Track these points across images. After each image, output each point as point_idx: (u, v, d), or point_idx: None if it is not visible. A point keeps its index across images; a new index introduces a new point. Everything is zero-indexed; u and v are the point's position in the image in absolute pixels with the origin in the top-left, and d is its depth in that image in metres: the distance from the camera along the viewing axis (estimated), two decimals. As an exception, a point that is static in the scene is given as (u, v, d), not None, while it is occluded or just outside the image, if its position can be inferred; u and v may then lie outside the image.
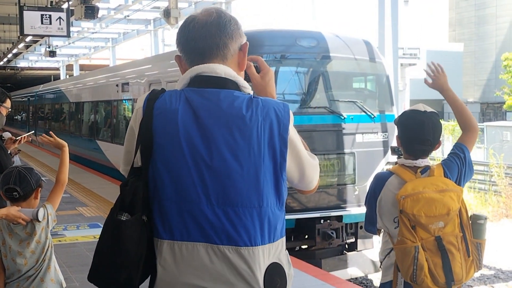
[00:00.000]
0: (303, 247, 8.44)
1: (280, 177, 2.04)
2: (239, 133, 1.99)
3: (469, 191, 17.87)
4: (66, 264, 6.81)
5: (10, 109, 4.87)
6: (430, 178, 3.18)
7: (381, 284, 3.37)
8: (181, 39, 2.14)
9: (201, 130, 2.00)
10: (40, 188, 3.70)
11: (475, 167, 20.64)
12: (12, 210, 3.50)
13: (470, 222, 3.21)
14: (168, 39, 24.93)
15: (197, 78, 2.08)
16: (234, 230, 1.97)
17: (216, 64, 2.08)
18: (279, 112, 2.04)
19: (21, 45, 28.86)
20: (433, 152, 3.41)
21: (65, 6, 15.58)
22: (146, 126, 2.03)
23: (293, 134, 2.08)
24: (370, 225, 3.41)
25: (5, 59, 36.24)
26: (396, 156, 3.50)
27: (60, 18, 14.00)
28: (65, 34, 14.52)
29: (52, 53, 25.43)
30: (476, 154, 24.96)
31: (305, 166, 2.13)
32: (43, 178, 3.86)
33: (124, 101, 14.15)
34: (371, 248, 8.57)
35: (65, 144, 3.94)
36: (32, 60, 39.24)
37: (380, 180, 3.33)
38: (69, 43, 29.38)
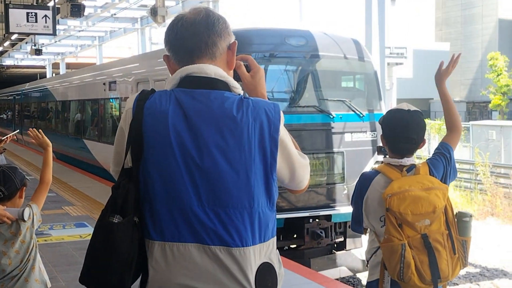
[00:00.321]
0: (292, 246, 8.43)
1: (271, 178, 2.04)
2: (230, 134, 1.99)
3: (455, 189, 17.99)
4: (52, 263, 6.77)
5: None
6: (416, 177, 3.20)
7: (368, 282, 3.39)
8: (170, 37, 2.14)
9: (192, 131, 1.99)
10: (24, 187, 3.68)
11: (461, 166, 20.89)
12: (-3, 209, 3.47)
13: (456, 219, 3.23)
14: (155, 38, 24.85)
15: (187, 79, 2.07)
16: (225, 231, 1.97)
17: (206, 64, 2.08)
18: (269, 113, 2.04)
19: (6, 43, 28.71)
20: (420, 151, 3.44)
21: (51, 4, 15.48)
22: (136, 127, 2.03)
23: (283, 134, 2.08)
24: (357, 224, 3.42)
25: (-10, 57, 36.01)
26: (382, 156, 3.51)
27: (46, 16, 13.92)
28: (51, 32, 14.44)
29: (38, 51, 25.29)
30: (461, 153, 25.12)
31: (295, 166, 2.14)
32: (27, 177, 3.84)
33: (111, 100, 14.08)
34: (360, 247, 8.58)
35: (50, 144, 3.92)
36: (18, 58, 38.99)
37: (366, 179, 3.35)
38: (55, 41, 29.23)
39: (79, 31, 26.96)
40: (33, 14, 13.87)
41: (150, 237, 2.02)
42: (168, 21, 17.50)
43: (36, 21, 13.90)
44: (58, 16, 15.44)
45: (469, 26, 62.14)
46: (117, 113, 13.49)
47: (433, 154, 3.41)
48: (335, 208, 8.35)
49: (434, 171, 3.27)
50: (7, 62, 41.04)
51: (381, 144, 3.52)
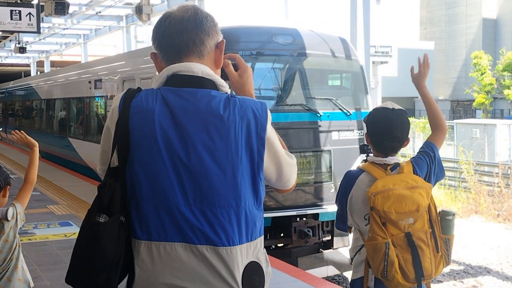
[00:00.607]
0: (279, 245, 8.40)
1: (258, 177, 2.04)
2: (217, 133, 1.98)
3: (439, 187, 18.11)
4: (37, 263, 6.74)
5: None
6: (400, 175, 3.22)
7: (352, 280, 3.40)
8: (157, 35, 2.12)
9: (178, 130, 1.98)
10: (8, 186, 3.66)
11: (445, 164, 21.00)
12: (-19, 208, 3.45)
13: (439, 218, 3.26)
14: (140, 36, 24.74)
15: (173, 77, 2.06)
16: (212, 230, 1.97)
17: (193, 63, 2.07)
18: (256, 112, 2.04)
19: (-10, 41, 28.43)
20: (404, 149, 3.47)
21: (35, 1, 15.37)
22: (122, 126, 2.02)
23: (271, 133, 2.08)
24: (341, 223, 3.44)
25: (-26, 55, 35.68)
26: (365, 154, 3.54)
27: (30, 13, 13.77)
28: (35, 30, 14.29)
29: (22, 49, 25.08)
30: (446, 151, 25.31)
31: (282, 165, 2.13)
32: (12, 176, 3.81)
33: (96, 98, 14.00)
34: (348, 246, 8.58)
35: (36, 144, 3.90)
36: (2, 56, 38.64)
37: (351, 178, 3.36)
38: (40, 39, 28.99)
39: (64, 29, 26.77)
40: (17, 11, 13.73)
41: (137, 237, 2.01)
42: (153, 19, 17.45)
43: (20, 19, 13.76)
44: (43, 14, 15.30)
45: (453, 25, 62.59)
46: (103, 111, 13.42)
47: (417, 153, 3.44)
48: (323, 207, 8.32)
49: (418, 170, 3.30)
50: (-9, 60, 40.68)
51: (363, 143, 3.53)
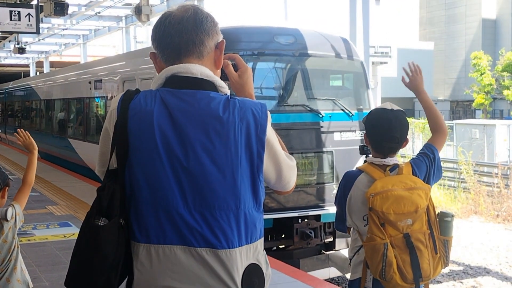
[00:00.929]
0: (280, 246, 8.34)
1: (257, 179, 2.02)
2: (216, 135, 1.97)
3: (438, 188, 18.11)
4: (36, 263, 6.73)
5: None
6: (399, 176, 3.22)
7: (350, 281, 3.41)
8: (157, 35, 2.10)
9: (177, 132, 1.97)
10: (7, 187, 3.66)
11: (445, 165, 21.02)
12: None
13: (438, 219, 3.26)
14: (140, 36, 24.74)
15: (172, 78, 2.04)
16: (211, 232, 1.96)
17: (192, 64, 2.05)
18: (256, 113, 2.02)
19: (-11, 42, 28.42)
20: (404, 150, 3.48)
21: (34, 2, 15.37)
22: (121, 127, 2.00)
23: (270, 134, 2.06)
24: (340, 223, 3.44)
25: (-27, 56, 35.68)
26: (364, 155, 3.53)
27: (29, 14, 13.80)
28: (34, 30, 14.31)
29: (21, 50, 25.09)
30: (445, 151, 25.31)
31: (282, 167, 2.12)
32: (10, 177, 3.82)
33: (96, 99, 13.98)
34: None
35: (36, 147, 3.92)
36: (1, 57, 38.63)
37: (350, 179, 3.37)
38: (39, 40, 28.98)
39: (63, 29, 26.76)
40: (16, 12, 13.75)
41: (136, 239, 2.00)
42: (153, 19, 17.46)
43: (20, 20, 13.78)
44: (42, 14, 15.31)
45: (453, 26, 62.63)
46: (103, 112, 13.39)
47: (417, 154, 3.45)
48: (325, 208, 8.24)
49: (417, 171, 3.30)
50: (-10, 60, 40.67)
51: (362, 144, 3.54)
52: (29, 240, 7.90)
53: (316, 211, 8.20)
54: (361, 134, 8.69)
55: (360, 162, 8.55)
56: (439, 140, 3.48)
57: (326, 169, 8.43)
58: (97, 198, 2.02)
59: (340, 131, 8.50)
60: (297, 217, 8.09)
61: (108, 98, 12.70)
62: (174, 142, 1.97)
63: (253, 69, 8.29)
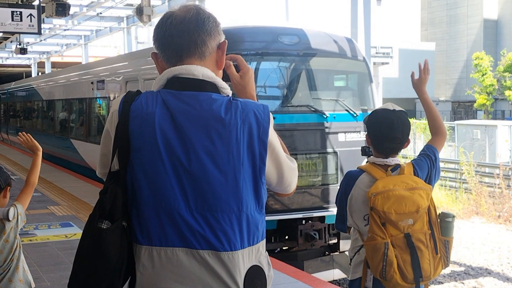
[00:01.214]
0: (284, 248, 8.23)
1: (260, 181, 2.02)
2: (218, 137, 1.96)
3: (440, 189, 18.10)
4: (37, 263, 6.74)
5: None
6: (400, 176, 3.23)
7: (350, 281, 3.41)
8: (158, 35, 2.09)
9: (179, 134, 1.96)
10: (9, 187, 3.67)
11: (446, 165, 21.02)
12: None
13: (439, 220, 3.27)
14: (141, 37, 24.75)
15: (174, 80, 2.03)
16: (213, 235, 1.95)
17: (194, 66, 2.04)
18: (258, 115, 2.01)
19: (-9, 42, 28.45)
20: (405, 150, 3.48)
21: (36, 3, 15.39)
22: (122, 129, 1.99)
23: (273, 136, 2.05)
24: (341, 223, 3.45)
25: (-25, 56, 35.72)
26: (366, 156, 3.54)
27: (31, 15, 13.80)
28: (36, 31, 14.32)
29: (23, 50, 25.09)
30: (447, 152, 25.29)
31: (284, 169, 2.11)
32: (12, 177, 3.83)
33: (99, 99, 13.94)
34: None
35: (40, 148, 3.93)
36: (3, 57, 38.67)
37: (351, 178, 3.38)
38: (41, 40, 29.01)
39: (65, 30, 26.78)
40: (18, 13, 13.76)
41: (137, 242, 1.99)
42: (154, 20, 17.46)
43: (21, 20, 13.79)
44: (43, 15, 15.32)
45: (454, 26, 62.58)
46: (105, 112, 13.36)
47: (418, 155, 3.46)
48: (329, 210, 8.14)
49: (419, 172, 3.31)
50: (-8, 61, 40.72)
51: (366, 145, 3.55)
52: (30, 240, 7.92)
53: (320, 212, 8.12)
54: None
55: (364, 163, 8.48)
56: (439, 141, 3.51)
57: (331, 170, 8.34)
58: (99, 200, 2.01)
59: (345, 132, 8.42)
60: (301, 219, 8.00)
61: (111, 98, 12.67)
62: (176, 144, 1.96)
63: (257, 69, 8.24)
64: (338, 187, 8.36)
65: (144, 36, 24.44)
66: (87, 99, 14.59)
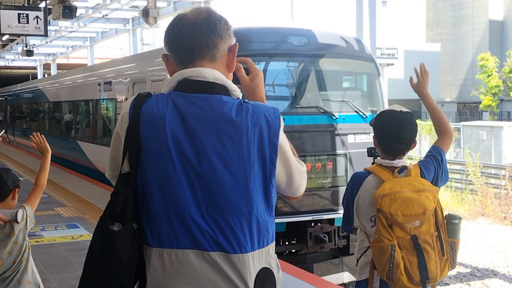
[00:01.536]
0: (292, 250, 8.16)
1: (270, 183, 2.02)
2: (229, 140, 1.96)
3: (445, 190, 18.07)
4: (44, 265, 6.76)
5: None
6: (407, 178, 3.23)
7: (357, 282, 3.42)
8: (170, 37, 2.09)
9: (190, 136, 1.96)
10: (17, 189, 3.69)
11: (452, 166, 20.96)
12: (-10, 210, 3.49)
13: (445, 221, 3.27)
14: (146, 39, 24.81)
15: (184, 82, 2.03)
16: (223, 237, 1.95)
17: (204, 68, 2.05)
18: (269, 118, 2.01)
19: (-3, 44, 28.53)
20: (411, 152, 3.49)
21: (42, 5, 15.45)
22: (133, 132, 1.99)
23: (283, 139, 2.05)
24: (347, 224, 3.46)
25: (-19, 58, 35.86)
26: (372, 158, 3.55)
27: (37, 17, 13.88)
28: (42, 33, 14.40)
29: (29, 52, 25.18)
30: (452, 153, 25.24)
31: (293, 172, 2.11)
32: (20, 179, 3.84)
33: (106, 101, 13.90)
34: None
35: (50, 151, 3.95)
36: (9, 59, 38.82)
37: (358, 180, 3.38)
38: (47, 42, 29.10)
39: (70, 32, 26.87)
40: (25, 15, 13.84)
41: (148, 244, 2.00)
42: (160, 22, 17.50)
43: (28, 22, 13.87)
44: (50, 17, 15.39)
45: (460, 27, 62.45)
46: (112, 114, 13.31)
47: (424, 156, 3.46)
48: (339, 212, 8.00)
49: (425, 173, 3.31)
50: (-2, 63, 40.87)
51: (373, 146, 3.56)
52: (37, 241, 7.94)
53: (330, 214, 8.02)
54: None
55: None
56: (445, 142, 3.50)
57: (340, 172, 8.25)
58: (110, 202, 2.01)
59: (354, 134, 8.34)
60: (311, 221, 7.92)
61: (118, 100, 12.64)
62: (187, 147, 1.96)
63: (266, 70, 8.20)
64: (347, 188, 8.29)
65: (149, 38, 24.52)
66: (94, 100, 14.57)
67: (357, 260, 3.43)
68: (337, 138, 8.25)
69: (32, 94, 23.77)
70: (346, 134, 8.29)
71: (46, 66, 38.51)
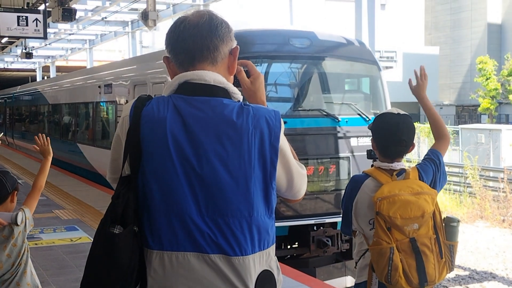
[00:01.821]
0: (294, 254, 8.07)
1: (270, 186, 2.03)
2: (229, 142, 1.97)
3: (444, 193, 18.08)
4: (43, 267, 6.76)
5: None
6: (405, 181, 3.24)
7: (355, 284, 3.43)
8: (171, 39, 2.10)
9: (190, 139, 1.97)
10: (16, 192, 3.69)
11: (450, 169, 20.97)
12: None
13: (444, 224, 3.28)
14: (145, 41, 24.83)
15: (185, 85, 2.05)
16: (224, 239, 1.96)
17: (205, 71, 2.06)
18: (270, 121, 2.02)
19: (-4, 47, 28.55)
20: (410, 155, 3.50)
21: (42, 7, 15.45)
22: (134, 134, 2.00)
23: (284, 142, 2.06)
24: (346, 227, 3.47)
25: (-20, 61, 35.85)
26: (372, 160, 3.55)
27: (36, 19, 13.88)
28: (42, 35, 14.39)
29: (28, 55, 25.16)
30: (451, 156, 25.26)
31: (294, 175, 2.12)
32: (19, 181, 3.85)
33: (107, 103, 13.85)
34: None
35: (51, 153, 3.96)
36: (8, 62, 38.83)
37: (356, 183, 3.39)
38: (46, 45, 29.10)
39: (70, 34, 26.89)
40: (24, 17, 13.84)
41: (149, 246, 2.00)
42: (159, 25, 17.52)
43: (27, 25, 13.86)
44: (49, 19, 15.39)
45: (458, 30, 62.50)
46: (113, 116, 13.26)
47: (422, 159, 3.47)
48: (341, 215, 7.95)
49: (424, 176, 3.32)
50: (-3, 65, 40.88)
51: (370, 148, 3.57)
52: (36, 244, 7.93)
53: (332, 218, 7.92)
54: None
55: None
56: (443, 145, 3.52)
57: (343, 175, 8.17)
58: (111, 205, 2.02)
59: (357, 136, 8.24)
60: (313, 225, 7.84)
61: (118, 102, 12.59)
62: (188, 149, 1.97)
63: (268, 72, 8.13)
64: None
65: (148, 41, 24.52)
66: (94, 103, 14.52)
67: (356, 263, 3.44)
68: (340, 141, 8.16)
69: (32, 97, 23.73)
70: (349, 137, 8.21)
71: (45, 69, 38.51)
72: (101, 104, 14.16)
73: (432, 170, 3.37)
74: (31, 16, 13.88)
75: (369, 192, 3.27)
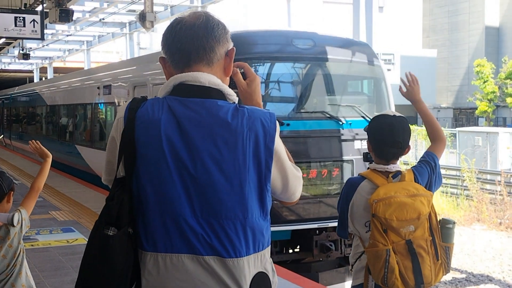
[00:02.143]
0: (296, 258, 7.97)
1: (265, 188, 2.02)
2: (224, 144, 1.97)
3: (441, 195, 18.10)
4: (39, 268, 6.75)
5: None
6: (401, 183, 3.24)
7: (352, 287, 3.43)
8: (167, 40, 2.10)
9: (185, 141, 1.97)
10: (12, 192, 3.68)
11: (448, 172, 20.97)
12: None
13: (439, 226, 3.28)
14: (143, 43, 24.84)
15: (180, 87, 2.04)
16: (218, 241, 1.96)
17: (200, 73, 2.05)
18: (265, 123, 2.02)
19: (-6, 47, 28.53)
20: (407, 157, 3.50)
21: (39, 8, 15.44)
22: (128, 136, 2.00)
23: (279, 144, 2.06)
24: (342, 229, 3.47)
25: (-23, 61, 35.81)
26: (368, 162, 3.55)
27: (34, 20, 13.86)
28: (39, 36, 14.38)
29: (25, 56, 25.16)
30: (448, 159, 25.29)
31: (289, 177, 2.12)
32: (15, 182, 3.84)
33: (106, 105, 13.80)
34: None
35: (50, 155, 3.95)
36: (5, 63, 38.82)
37: (352, 185, 3.39)
38: (43, 46, 29.11)
39: (67, 35, 26.89)
40: (21, 18, 13.82)
41: (143, 248, 2.00)
42: (157, 26, 17.51)
43: (24, 26, 13.85)
44: (47, 20, 15.39)
45: (456, 33, 62.64)
46: (112, 118, 13.20)
47: (418, 162, 3.48)
48: None
49: (419, 178, 3.32)
50: (-6, 66, 40.86)
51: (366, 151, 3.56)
52: (32, 245, 7.92)
53: (336, 222, 7.85)
54: None
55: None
56: (439, 148, 3.52)
57: (346, 178, 8.07)
58: (105, 207, 2.02)
59: (361, 139, 8.05)
60: (316, 229, 7.70)
61: (117, 104, 12.52)
62: (182, 151, 1.97)
63: (271, 73, 8.06)
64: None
65: (146, 42, 24.53)
66: (93, 104, 14.47)
67: (352, 265, 3.44)
68: (344, 144, 8.01)
69: (30, 98, 23.67)
70: (352, 140, 8.07)
71: (43, 70, 38.50)
72: (100, 105, 14.11)
73: (428, 173, 3.37)
74: (29, 17, 13.87)
75: (365, 195, 3.27)
